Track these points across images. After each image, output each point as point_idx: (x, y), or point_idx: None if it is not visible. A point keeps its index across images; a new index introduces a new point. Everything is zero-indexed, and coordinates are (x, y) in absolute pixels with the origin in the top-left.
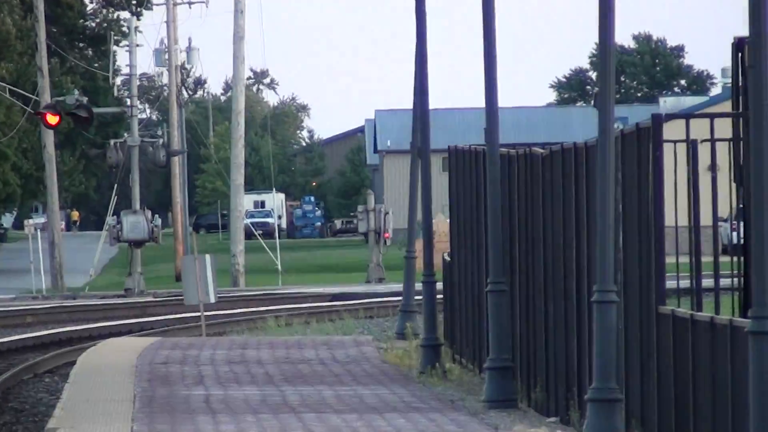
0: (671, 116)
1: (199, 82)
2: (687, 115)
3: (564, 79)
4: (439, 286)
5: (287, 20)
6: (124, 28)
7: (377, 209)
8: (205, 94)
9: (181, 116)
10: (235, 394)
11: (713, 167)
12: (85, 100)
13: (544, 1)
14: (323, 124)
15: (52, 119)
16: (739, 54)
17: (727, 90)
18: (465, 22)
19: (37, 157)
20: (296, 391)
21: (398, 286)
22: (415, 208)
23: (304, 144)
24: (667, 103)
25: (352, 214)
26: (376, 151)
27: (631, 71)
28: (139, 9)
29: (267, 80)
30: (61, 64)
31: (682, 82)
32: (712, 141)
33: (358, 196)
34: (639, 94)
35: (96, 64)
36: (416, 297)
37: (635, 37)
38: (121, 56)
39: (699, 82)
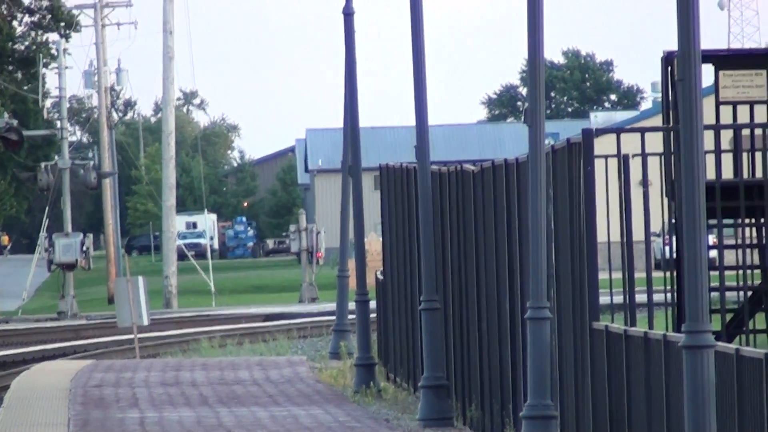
0: (602, 131)
1: (129, 104)
2: (618, 129)
3: (494, 96)
4: (373, 305)
5: (216, 40)
6: (53, 51)
7: (309, 228)
8: (136, 116)
9: (112, 138)
10: (170, 416)
11: (645, 182)
12: (15, 123)
13: (473, 18)
14: (254, 144)
15: None
16: (669, 68)
17: (658, 104)
18: (394, 39)
19: None
20: (231, 413)
21: (331, 306)
22: (347, 227)
23: (235, 164)
24: (598, 118)
25: (284, 233)
26: (307, 170)
27: (561, 87)
28: (67, 31)
29: (197, 101)
30: None
31: (612, 97)
32: (644, 155)
33: (290, 216)
34: (569, 110)
35: (25, 87)
36: (350, 316)
37: (564, 53)
38: (51, 78)
39: (629, 97)
